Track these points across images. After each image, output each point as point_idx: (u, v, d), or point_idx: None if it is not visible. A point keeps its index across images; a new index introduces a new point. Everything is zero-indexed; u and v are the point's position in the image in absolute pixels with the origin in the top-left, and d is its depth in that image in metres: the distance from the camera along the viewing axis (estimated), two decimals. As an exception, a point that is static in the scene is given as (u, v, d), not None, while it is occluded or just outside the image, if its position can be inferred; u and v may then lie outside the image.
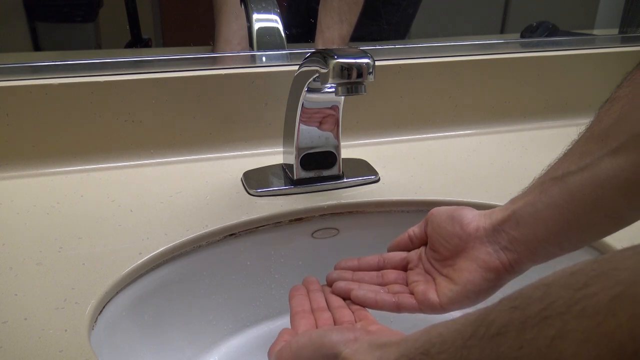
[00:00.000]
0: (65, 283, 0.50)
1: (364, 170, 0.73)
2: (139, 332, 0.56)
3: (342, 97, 0.64)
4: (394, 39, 1.03)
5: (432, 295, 0.49)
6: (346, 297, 0.52)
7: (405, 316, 0.51)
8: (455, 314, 0.40)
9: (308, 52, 0.59)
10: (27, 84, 0.68)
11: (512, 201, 0.48)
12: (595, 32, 1.13)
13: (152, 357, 0.57)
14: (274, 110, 0.77)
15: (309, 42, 0.88)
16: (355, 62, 0.54)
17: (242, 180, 0.70)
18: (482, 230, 0.48)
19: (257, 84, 0.76)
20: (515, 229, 0.46)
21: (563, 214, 0.44)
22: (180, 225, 0.60)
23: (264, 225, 0.63)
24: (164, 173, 0.72)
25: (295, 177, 0.68)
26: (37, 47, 0.83)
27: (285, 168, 0.71)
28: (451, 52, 0.88)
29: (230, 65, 0.78)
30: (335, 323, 0.49)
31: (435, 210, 0.53)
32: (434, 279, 0.50)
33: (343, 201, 0.67)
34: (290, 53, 0.81)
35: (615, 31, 1.09)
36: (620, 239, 0.50)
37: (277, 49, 0.81)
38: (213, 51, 0.85)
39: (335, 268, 0.55)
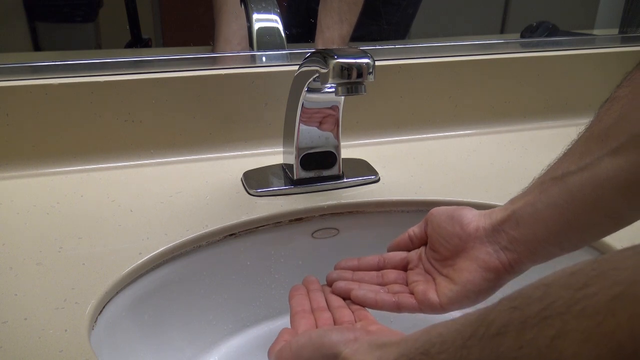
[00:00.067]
0: (65, 283, 0.50)
1: (364, 170, 0.73)
2: (139, 332, 0.56)
3: (342, 97, 0.64)
4: (394, 39, 1.03)
5: (432, 295, 0.49)
6: (346, 297, 0.52)
7: (405, 316, 0.51)
8: (455, 314, 0.40)
9: (308, 52, 0.59)
10: (27, 84, 0.68)
11: (512, 201, 0.48)
12: (595, 32, 1.13)
13: (152, 357, 0.57)
14: (274, 110, 0.77)
15: (309, 42, 0.88)
16: (355, 62, 0.54)
17: (242, 180, 0.70)
18: (482, 230, 0.48)
19: (257, 84, 0.76)
20: (515, 229, 0.46)
21: (563, 214, 0.44)
22: (180, 225, 0.60)
23: (264, 225, 0.63)
24: (164, 173, 0.72)
25: (295, 177, 0.68)
26: (37, 47, 0.83)
27: (285, 168, 0.71)
28: (451, 52, 0.88)
29: (230, 65, 0.78)
30: (335, 323, 0.49)
31: (435, 210, 0.53)
32: (434, 279, 0.50)
33: (343, 201, 0.67)
34: (290, 53, 0.81)
35: (615, 31, 1.09)
36: (620, 239, 0.50)
37: (277, 49, 0.81)
38: (213, 51, 0.85)
39: (335, 268, 0.55)
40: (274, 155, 0.77)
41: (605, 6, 1.16)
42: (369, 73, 0.55)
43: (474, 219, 0.49)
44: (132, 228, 0.59)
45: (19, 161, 0.70)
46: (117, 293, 0.52)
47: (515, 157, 0.81)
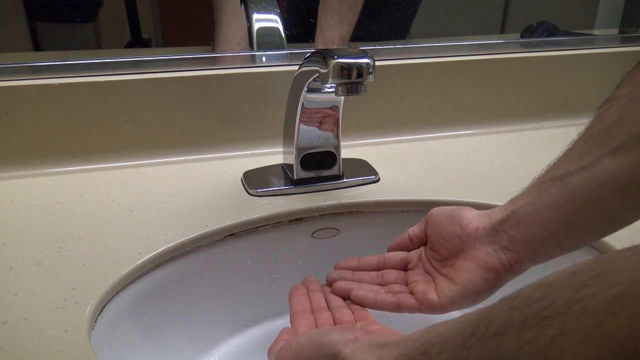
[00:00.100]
0: (65, 283, 0.50)
1: (364, 170, 0.73)
2: (139, 332, 0.56)
3: (342, 97, 0.64)
4: (394, 39, 1.03)
5: (432, 295, 0.49)
6: (346, 297, 0.52)
7: (405, 316, 0.51)
8: (455, 314, 0.40)
9: (308, 52, 0.59)
10: (27, 84, 0.68)
11: (512, 201, 0.48)
12: (595, 32, 1.13)
13: (152, 357, 0.57)
14: (274, 110, 0.77)
15: (309, 42, 0.88)
16: (355, 62, 0.54)
17: (242, 180, 0.70)
18: (482, 230, 0.48)
19: (257, 84, 0.76)
20: (514, 229, 0.46)
21: (563, 214, 0.44)
22: (180, 225, 0.60)
23: (264, 225, 0.63)
24: (164, 173, 0.72)
25: (295, 177, 0.68)
26: (37, 47, 0.83)
27: (285, 168, 0.71)
28: (451, 52, 0.88)
29: (230, 65, 0.78)
30: (335, 323, 0.49)
31: (435, 210, 0.53)
32: (433, 279, 0.50)
33: (343, 201, 0.67)
34: (290, 53, 0.81)
35: (615, 31, 1.09)
36: (620, 239, 0.50)
37: (277, 49, 0.81)
38: (213, 51, 0.85)
39: (335, 268, 0.55)
40: (274, 155, 0.76)
41: (605, 6, 1.16)
42: (369, 73, 0.55)
43: (473, 219, 0.49)
44: (132, 228, 0.59)
45: (19, 161, 0.70)
46: (117, 293, 0.52)
47: (515, 157, 0.81)
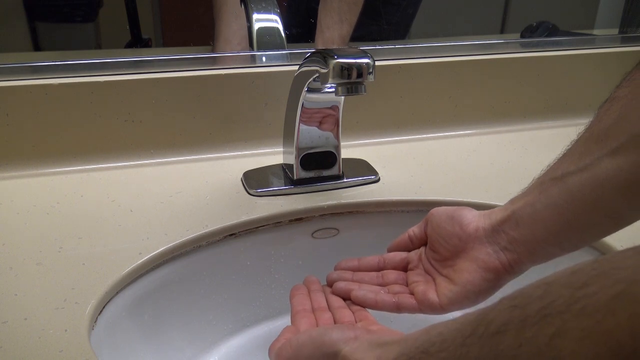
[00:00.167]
0: (65, 283, 0.50)
1: (364, 170, 0.73)
2: (139, 332, 0.56)
3: (342, 97, 0.64)
4: (394, 39, 1.03)
5: (432, 296, 0.49)
6: (346, 298, 0.52)
7: (405, 317, 0.51)
8: (456, 314, 0.40)
9: (308, 52, 0.59)
10: (27, 84, 0.68)
11: (512, 201, 0.48)
12: (595, 32, 1.13)
13: (152, 357, 0.57)
14: (274, 110, 0.77)
15: (309, 42, 0.88)
16: (355, 62, 0.54)
17: (242, 180, 0.70)
18: (482, 231, 0.48)
19: (257, 84, 0.76)
20: (514, 230, 0.46)
21: (562, 214, 0.44)
22: (180, 225, 0.60)
23: (264, 225, 0.63)
24: (164, 173, 0.72)
25: (295, 177, 0.68)
26: (37, 47, 0.83)
27: (285, 168, 0.71)
28: (451, 52, 0.88)
29: (230, 65, 0.78)
30: (335, 323, 0.49)
31: (435, 210, 0.53)
32: (434, 280, 0.50)
33: (343, 201, 0.67)
34: (290, 53, 0.81)
35: (615, 31, 1.09)
36: (620, 239, 0.50)
37: (277, 49, 0.81)
38: (213, 51, 0.85)
39: (336, 268, 0.55)
40: (274, 155, 0.77)
41: (605, 6, 1.16)
42: (369, 73, 0.55)
43: (473, 220, 0.49)
44: (132, 228, 0.59)
45: (19, 161, 0.70)
46: (117, 293, 0.52)
47: (515, 157, 0.81)
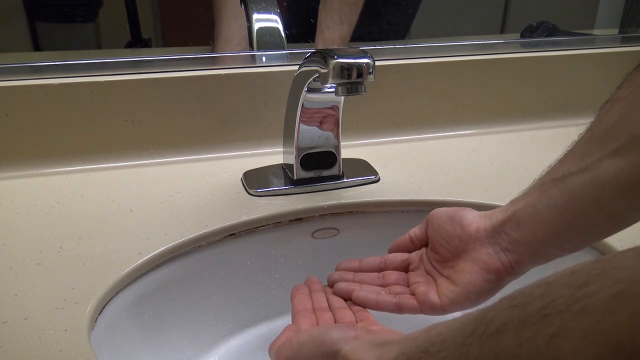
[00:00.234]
0: (65, 283, 0.50)
1: (364, 170, 0.73)
2: (139, 332, 0.56)
3: (342, 97, 0.64)
4: (394, 39, 1.03)
5: (433, 296, 0.49)
6: (347, 298, 0.52)
7: (406, 317, 0.51)
8: (456, 314, 0.40)
9: (308, 52, 0.59)
10: (27, 84, 0.68)
11: (513, 202, 0.48)
12: (595, 32, 1.13)
13: (152, 357, 0.57)
14: (274, 110, 0.77)
15: (309, 42, 0.88)
16: (355, 62, 0.54)
17: (242, 180, 0.70)
18: (483, 232, 0.48)
19: (257, 84, 0.76)
20: (515, 230, 0.46)
21: (563, 214, 0.44)
22: (180, 225, 0.60)
23: (264, 225, 0.63)
24: (164, 173, 0.72)
25: (295, 177, 0.68)
26: (37, 47, 0.83)
27: (285, 168, 0.71)
28: (451, 52, 0.88)
29: (230, 65, 0.78)
30: (336, 323, 0.48)
31: (436, 211, 0.53)
32: (434, 280, 0.51)
33: (343, 201, 0.67)
34: (290, 53, 0.81)
35: (615, 31, 1.09)
36: (620, 240, 0.50)
37: (277, 49, 0.81)
38: (213, 51, 0.85)
39: (337, 269, 0.55)
40: (274, 155, 0.76)
41: (605, 6, 1.16)
42: (369, 73, 0.55)
43: (474, 220, 0.49)
44: (132, 228, 0.59)
45: (19, 161, 0.70)
46: (117, 293, 0.52)
47: (515, 157, 0.81)
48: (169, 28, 0.88)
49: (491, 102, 0.91)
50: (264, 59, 0.80)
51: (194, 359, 0.62)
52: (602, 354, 0.21)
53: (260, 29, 0.81)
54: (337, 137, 0.67)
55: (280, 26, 0.82)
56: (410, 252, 0.55)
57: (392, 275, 0.53)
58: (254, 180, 0.69)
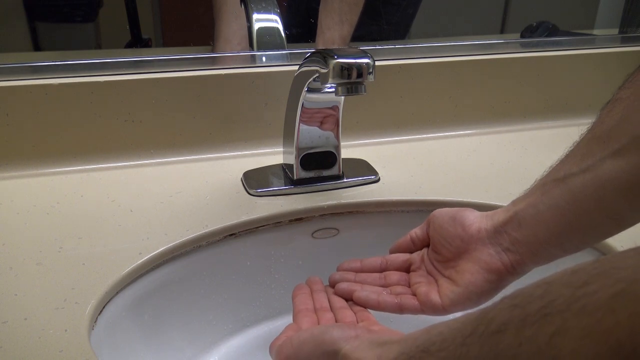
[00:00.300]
0: (65, 283, 0.50)
1: (364, 170, 0.73)
2: (139, 332, 0.56)
3: (342, 97, 0.64)
4: (394, 39, 1.03)
5: (435, 297, 0.49)
6: (349, 298, 0.52)
7: (407, 317, 0.51)
8: (457, 315, 0.40)
9: (308, 52, 0.59)
10: (27, 84, 0.68)
11: (514, 203, 0.48)
12: (595, 32, 1.13)
13: (152, 357, 0.57)
14: (274, 110, 0.77)
15: (309, 42, 0.88)
16: (355, 62, 0.54)
17: (242, 180, 0.70)
18: (484, 232, 0.48)
19: (257, 84, 0.76)
20: (516, 231, 0.46)
21: (564, 215, 0.44)
22: (180, 225, 0.60)
23: (264, 225, 0.63)
24: (164, 173, 0.72)
25: (295, 177, 0.68)
26: (37, 47, 0.83)
27: (285, 168, 0.71)
28: (451, 52, 0.88)
29: (230, 65, 0.78)
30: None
31: (437, 211, 0.53)
32: (436, 281, 0.51)
33: (343, 201, 0.67)
34: (290, 53, 0.81)
35: (615, 31, 1.09)
36: (621, 240, 0.50)
37: (277, 49, 0.81)
38: (213, 51, 0.85)
39: (338, 269, 0.55)
40: (274, 155, 0.76)
41: (605, 6, 1.16)
42: (369, 73, 0.55)
43: (475, 221, 0.49)
44: (132, 228, 0.59)
45: (19, 161, 0.70)
46: (117, 293, 0.52)
47: (515, 157, 0.81)
48: (169, 28, 0.88)
49: (491, 102, 0.91)
50: (264, 59, 0.80)
51: (194, 359, 0.62)
52: (602, 353, 0.21)
53: (260, 29, 0.81)
54: (337, 137, 0.67)
55: (280, 26, 0.82)
56: (411, 252, 0.55)
57: (394, 276, 0.53)
58: (254, 180, 0.69)
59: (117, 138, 0.73)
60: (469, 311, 0.31)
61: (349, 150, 0.80)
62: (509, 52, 0.91)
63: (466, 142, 0.86)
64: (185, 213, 0.62)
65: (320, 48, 0.85)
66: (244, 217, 0.62)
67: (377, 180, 0.71)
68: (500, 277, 0.47)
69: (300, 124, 0.65)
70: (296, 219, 0.65)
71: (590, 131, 0.46)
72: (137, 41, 0.85)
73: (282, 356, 0.43)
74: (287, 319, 0.51)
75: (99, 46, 0.89)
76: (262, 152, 0.78)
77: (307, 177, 0.68)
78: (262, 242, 0.64)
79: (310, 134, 0.66)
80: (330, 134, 0.67)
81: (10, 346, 0.43)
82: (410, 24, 1.03)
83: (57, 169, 0.71)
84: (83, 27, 0.87)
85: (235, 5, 0.83)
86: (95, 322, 0.48)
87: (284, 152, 0.71)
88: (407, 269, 0.54)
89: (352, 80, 0.55)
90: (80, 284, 0.50)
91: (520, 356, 0.25)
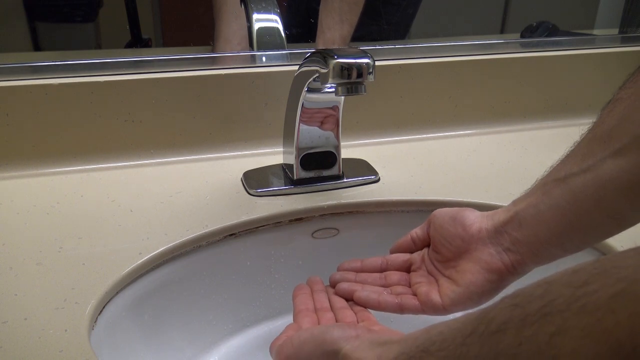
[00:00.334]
0: (65, 283, 0.50)
1: (364, 170, 0.73)
2: (139, 332, 0.56)
3: (342, 97, 0.64)
4: (394, 39, 1.03)
5: (435, 297, 0.49)
6: (349, 298, 0.52)
7: (407, 317, 0.51)
8: (458, 315, 0.40)
9: (308, 52, 0.59)
10: (27, 84, 0.68)
11: (515, 202, 0.48)
12: (595, 32, 1.13)
13: (152, 357, 0.57)
14: (274, 110, 0.77)
15: (309, 42, 0.88)
16: (355, 62, 0.54)
17: (242, 180, 0.70)
18: (485, 232, 0.48)
19: (257, 84, 0.76)
20: (517, 231, 0.46)
21: (565, 215, 0.44)
22: (180, 225, 0.60)
23: (264, 225, 0.63)
24: (164, 173, 0.72)
25: (295, 177, 0.68)
26: (37, 47, 0.83)
27: (285, 168, 0.71)
28: (451, 52, 0.88)
29: (230, 65, 0.78)
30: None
31: (438, 211, 0.53)
32: (436, 281, 0.50)
33: (343, 201, 0.67)
34: (290, 53, 0.81)
35: (615, 31, 1.09)
36: (621, 240, 0.50)
37: (277, 49, 0.81)
38: (213, 51, 0.85)
39: (339, 269, 0.55)
40: (274, 155, 0.76)
41: (605, 6, 1.16)
42: (369, 73, 0.55)
43: (476, 221, 0.49)
44: (132, 228, 0.59)
45: (19, 161, 0.70)
46: (117, 293, 0.52)
47: (515, 157, 0.81)
48: (169, 28, 0.88)
49: (491, 102, 0.91)
50: (264, 59, 0.80)
51: (194, 359, 0.62)
52: (602, 353, 0.21)
53: (260, 29, 0.81)
54: (337, 137, 0.67)
55: (280, 26, 0.82)
56: (412, 252, 0.55)
57: (394, 276, 0.53)
58: (254, 180, 0.69)
59: (117, 138, 0.73)
60: (469, 311, 0.31)
61: (349, 150, 0.80)
62: (509, 52, 0.91)
63: (466, 142, 0.86)
64: (185, 213, 0.62)
65: (320, 48, 0.85)
66: (244, 217, 0.62)
67: (377, 180, 0.71)
68: (501, 277, 0.47)
69: (300, 124, 0.65)
70: (296, 219, 0.65)
71: (591, 131, 0.46)
72: (137, 41, 0.85)
73: (282, 356, 0.43)
74: (287, 319, 0.51)
75: (99, 46, 0.89)
76: (262, 152, 0.78)
77: (307, 177, 0.68)
78: (262, 242, 0.64)
79: (310, 134, 0.66)
80: (330, 134, 0.67)
81: (10, 346, 0.43)
82: (410, 24, 1.03)
83: (57, 169, 0.71)
84: (83, 27, 0.87)
85: (235, 5, 0.83)
86: (95, 322, 0.48)
87: (284, 152, 0.71)
88: (407, 269, 0.54)
89: (352, 80, 0.55)
90: (80, 284, 0.50)
91: (520, 356, 0.25)
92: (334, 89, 0.58)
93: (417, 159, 0.79)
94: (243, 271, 0.64)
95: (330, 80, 0.54)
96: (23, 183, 0.68)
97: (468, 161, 0.79)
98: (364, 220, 0.68)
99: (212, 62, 0.79)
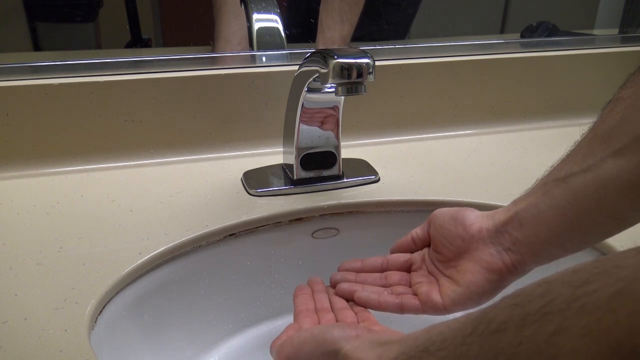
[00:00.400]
0: (65, 283, 0.50)
1: (364, 170, 0.73)
2: (139, 332, 0.56)
3: (342, 97, 0.64)
4: (394, 39, 1.03)
5: (436, 297, 0.49)
6: (350, 299, 0.52)
7: (407, 317, 0.51)
8: (458, 314, 0.40)
9: (308, 52, 0.59)
10: (27, 84, 0.68)
11: (515, 202, 0.48)
12: (595, 32, 1.13)
13: (152, 357, 0.57)
14: (274, 110, 0.77)
15: (309, 42, 0.88)
16: (355, 62, 0.54)
17: (242, 180, 0.70)
18: (485, 232, 0.48)
19: (257, 84, 0.76)
20: (517, 230, 0.46)
21: (565, 215, 0.44)
22: (180, 225, 0.60)
23: (264, 225, 0.63)
24: (164, 173, 0.72)
25: (295, 177, 0.68)
26: (37, 47, 0.83)
27: (285, 168, 0.71)
28: (451, 52, 0.88)
29: (230, 65, 0.78)
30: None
31: (438, 211, 0.53)
32: (437, 280, 0.50)
33: (343, 201, 0.67)
34: (290, 53, 0.81)
35: (615, 31, 1.09)
36: (621, 240, 0.50)
37: (277, 49, 0.81)
38: (213, 51, 0.85)
39: (339, 269, 0.55)
40: (274, 155, 0.76)
41: (605, 6, 1.16)
42: (369, 73, 0.55)
43: (476, 220, 0.49)
44: (132, 228, 0.59)
45: (19, 161, 0.70)
46: (117, 293, 0.52)
47: (515, 157, 0.81)
48: (169, 28, 0.88)
49: (491, 102, 0.91)
50: (264, 59, 0.80)
51: (194, 359, 0.62)
52: (601, 352, 0.21)
53: (260, 29, 0.81)
54: (337, 137, 0.67)
55: (280, 26, 0.82)
56: (412, 252, 0.55)
57: (395, 276, 0.53)
58: (254, 180, 0.69)
59: (117, 138, 0.73)
60: (470, 311, 0.31)
61: (349, 150, 0.80)
62: (509, 52, 0.91)
63: (466, 142, 0.86)
64: (185, 213, 0.62)
65: (320, 48, 0.85)
66: (244, 217, 0.62)
67: (377, 180, 0.71)
68: (501, 276, 0.47)
69: (300, 124, 0.65)
70: (296, 219, 0.65)
71: (591, 131, 0.46)
72: (137, 41, 0.85)
73: (282, 356, 0.43)
74: (287, 319, 0.51)
75: (99, 46, 0.89)
76: (262, 152, 0.78)
77: (307, 177, 0.68)
78: (262, 242, 0.64)
79: (310, 134, 0.66)
80: (330, 134, 0.67)
81: (10, 346, 0.43)
82: (410, 24, 1.03)
83: (57, 169, 0.71)
84: (83, 27, 0.87)
85: (235, 5, 0.83)
86: (95, 322, 0.48)
87: (284, 152, 0.71)
88: (408, 268, 0.54)
89: (352, 80, 0.55)
90: (80, 284, 0.50)
91: (520, 355, 0.25)
92: (334, 89, 0.58)
93: (417, 159, 0.79)
94: (243, 271, 0.64)
95: (330, 80, 0.54)
96: (23, 183, 0.68)
97: (468, 161, 0.79)
98: (364, 220, 0.68)
99: (212, 62, 0.79)
